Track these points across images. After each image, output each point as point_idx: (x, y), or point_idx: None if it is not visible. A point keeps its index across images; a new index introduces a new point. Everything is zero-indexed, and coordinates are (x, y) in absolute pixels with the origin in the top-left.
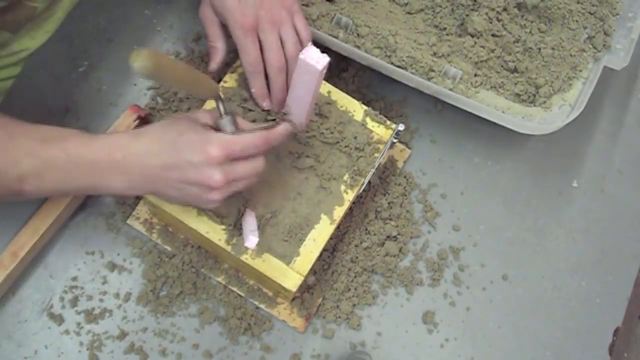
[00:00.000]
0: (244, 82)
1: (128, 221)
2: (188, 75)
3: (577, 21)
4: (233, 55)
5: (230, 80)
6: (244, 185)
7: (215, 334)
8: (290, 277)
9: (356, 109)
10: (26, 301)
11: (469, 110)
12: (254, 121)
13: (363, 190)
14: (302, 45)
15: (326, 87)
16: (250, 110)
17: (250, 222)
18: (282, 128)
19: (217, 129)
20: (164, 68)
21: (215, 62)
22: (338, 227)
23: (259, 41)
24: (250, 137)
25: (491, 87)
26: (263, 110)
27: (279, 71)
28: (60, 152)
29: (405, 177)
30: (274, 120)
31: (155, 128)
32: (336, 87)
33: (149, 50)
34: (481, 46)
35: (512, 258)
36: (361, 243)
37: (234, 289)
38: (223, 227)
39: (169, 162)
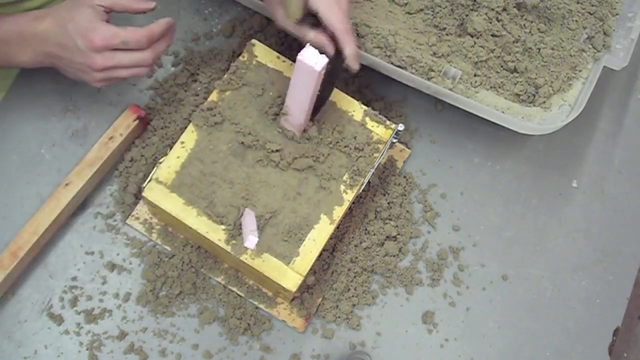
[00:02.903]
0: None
1: (128, 221)
2: None
3: (576, 21)
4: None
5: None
6: (130, 73)
7: (215, 334)
8: (290, 277)
9: (356, 108)
10: (26, 301)
11: (469, 110)
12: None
13: (363, 190)
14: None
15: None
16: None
17: (250, 222)
18: (162, 21)
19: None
20: None
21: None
22: (338, 227)
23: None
24: (132, 32)
25: (491, 87)
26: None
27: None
28: None
29: (405, 177)
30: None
31: (57, 10)
32: (336, 87)
33: None
34: (481, 46)
35: (512, 258)
36: (361, 243)
37: (234, 289)
38: (223, 227)
39: (62, 44)
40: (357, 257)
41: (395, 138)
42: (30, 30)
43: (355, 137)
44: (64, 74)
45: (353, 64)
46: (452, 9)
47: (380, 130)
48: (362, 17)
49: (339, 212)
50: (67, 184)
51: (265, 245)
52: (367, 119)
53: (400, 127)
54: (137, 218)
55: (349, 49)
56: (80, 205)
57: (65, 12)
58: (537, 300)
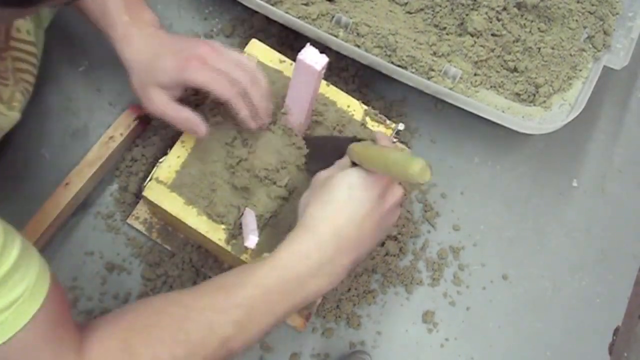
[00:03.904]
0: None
1: (128, 221)
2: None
3: (577, 21)
4: None
5: None
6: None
7: None
8: None
9: (356, 108)
10: None
11: (469, 109)
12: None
13: None
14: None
15: (326, 87)
16: None
17: (250, 222)
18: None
19: None
20: None
21: (203, 131)
22: None
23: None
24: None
25: (491, 87)
26: None
27: (254, 84)
28: (255, 289)
29: None
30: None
31: (324, 203)
32: (336, 86)
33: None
34: (481, 46)
35: (512, 258)
36: None
37: None
38: (223, 226)
39: (367, 210)
40: None
41: (396, 137)
42: (317, 248)
43: (355, 137)
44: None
45: (249, 124)
46: (452, 9)
47: (381, 130)
48: (362, 17)
49: None
50: (67, 184)
51: (266, 245)
52: (368, 118)
53: (401, 126)
54: (137, 218)
55: (242, 113)
56: (80, 205)
57: (335, 194)
58: (537, 299)
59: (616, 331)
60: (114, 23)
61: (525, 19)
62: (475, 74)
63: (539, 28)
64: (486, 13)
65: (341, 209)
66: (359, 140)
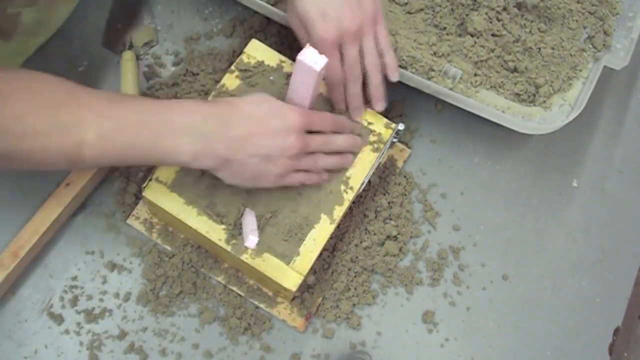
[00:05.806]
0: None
1: (128, 221)
2: None
3: (577, 21)
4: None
5: (228, 81)
6: (329, 162)
7: (215, 334)
8: (290, 276)
9: None
10: (26, 301)
11: (469, 110)
12: None
13: (363, 190)
14: (381, 56)
15: (326, 87)
16: None
17: (250, 222)
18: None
19: None
20: None
21: None
22: (338, 226)
23: (340, 52)
24: (323, 113)
25: (491, 87)
26: None
27: (355, 81)
28: (134, 110)
29: (405, 176)
30: None
31: (233, 99)
32: None
33: None
34: (481, 46)
35: (512, 258)
36: (361, 243)
37: (234, 288)
38: (223, 226)
39: (251, 127)
40: (357, 257)
41: (396, 137)
42: (205, 114)
43: None
44: (234, 176)
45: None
46: (452, 9)
47: (381, 130)
48: None
49: (339, 211)
50: (67, 184)
51: (266, 245)
52: (368, 118)
53: (401, 126)
54: (138, 218)
55: (332, 93)
56: (80, 205)
57: (245, 98)
58: (537, 300)
59: (616, 331)
60: None
61: (526, 19)
62: (475, 74)
63: (539, 28)
64: (486, 13)
65: (249, 114)
66: None
